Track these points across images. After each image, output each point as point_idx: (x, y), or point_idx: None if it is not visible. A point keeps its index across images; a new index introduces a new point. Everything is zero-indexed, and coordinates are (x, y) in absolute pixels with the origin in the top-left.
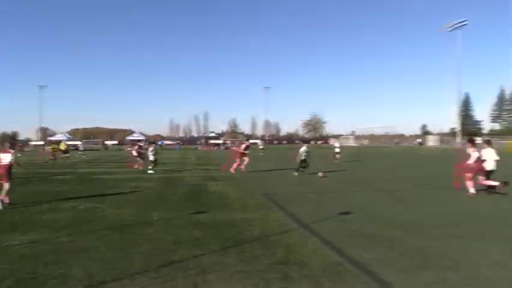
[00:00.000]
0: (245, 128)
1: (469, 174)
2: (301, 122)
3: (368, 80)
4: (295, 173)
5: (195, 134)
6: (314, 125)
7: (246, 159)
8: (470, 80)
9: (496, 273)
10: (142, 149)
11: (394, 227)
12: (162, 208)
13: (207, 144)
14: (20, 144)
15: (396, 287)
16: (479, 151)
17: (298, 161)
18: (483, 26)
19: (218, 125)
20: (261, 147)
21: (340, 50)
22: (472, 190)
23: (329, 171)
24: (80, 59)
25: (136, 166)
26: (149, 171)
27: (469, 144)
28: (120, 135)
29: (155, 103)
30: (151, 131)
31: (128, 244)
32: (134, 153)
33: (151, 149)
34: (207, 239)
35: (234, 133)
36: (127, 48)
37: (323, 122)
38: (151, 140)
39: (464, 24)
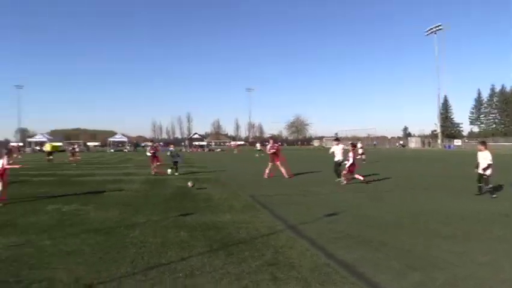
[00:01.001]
0: (229, 129)
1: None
2: (285, 124)
3: (351, 81)
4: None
5: (179, 136)
6: (298, 126)
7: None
8: (451, 83)
9: (483, 273)
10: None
11: (380, 228)
12: (148, 210)
13: (191, 146)
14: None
15: (383, 287)
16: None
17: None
18: (462, 28)
19: (202, 127)
20: (259, 149)
21: (323, 52)
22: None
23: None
24: (59, 59)
25: (155, 170)
26: (168, 171)
27: (482, 147)
28: (102, 136)
29: (138, 104)
30: (134, 132)
31: (114, 247)
32: (148, 154)
33: (170, 148)
34: (194, 241)
35: (217, 134)
36: (108, 49)
37: (306, 124)
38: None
39: (439, 29)
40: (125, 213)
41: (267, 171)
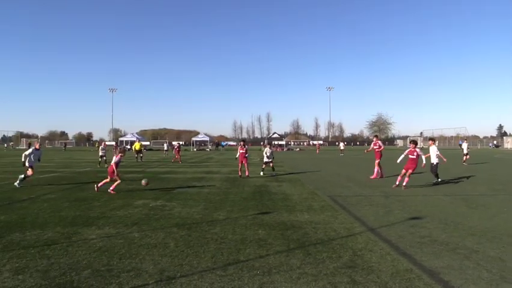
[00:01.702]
0: (308, 129)
1: None
2: (367, 123)
3: (438, 78)
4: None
5: (258, 135)
6: (380, 125)
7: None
8: None
9: None
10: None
11: (469, 234)
12: (227, 208)
13: (271, 145)
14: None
15: None
16: None
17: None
18: None
19: (281, 126)
20: (342, 148)
21: (406, 47)
22: None
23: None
24: (148, 61)
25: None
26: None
27: None
28: (186, 136)
29: (219, 104)
30: (215, 132)
31: (196, 242)
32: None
33: (266, 149)
34: (272, 239)
35: (297, 134)
36: (192, 52)
37: (389, 123)
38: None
39: None
40: (206, 210)
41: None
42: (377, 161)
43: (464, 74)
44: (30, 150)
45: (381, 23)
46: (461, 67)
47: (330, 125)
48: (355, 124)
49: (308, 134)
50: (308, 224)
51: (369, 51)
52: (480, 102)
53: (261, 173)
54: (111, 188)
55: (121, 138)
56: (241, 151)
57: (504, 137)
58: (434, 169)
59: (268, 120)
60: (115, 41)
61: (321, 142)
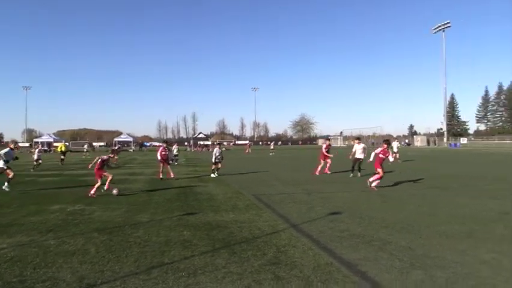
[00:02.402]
0: (234, 129)
1: None
2: (290, 123)
3: (356, 80)
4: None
5: (184, 135)
6: (303, 125)
7: (329, 160)
8: (457, 81)
9: (484, 272)
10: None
11: (382, 227)
12: (151, 210)
13: (196, 145)
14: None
15: (385, 286)
16: None
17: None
18: (469, 26)
19: (207, 126)
20: (272, 148)
21: (328, 51)
22: None
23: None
24: (66, 58)
25: (160, 176)
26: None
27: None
28: (108, 136)
29: (144, 104)
30: (139, 132)
31: (118, 246)
32: (159, 157)
33: (216, 149)
34: (197, 240)
35: (222, 134)
36: (113, 49)
37: (311, 123)
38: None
39: (447, 26)
40: (129, 213)
41: (319, 168)
42: (325, 160)
43: (381, 76)
44: (6, 150)
45: (303, 25)
46: (377, 70)
47: (256, 125)
48: (279, 124)
49: (234, 134)
50: (233, 223)
51: (292, 52)
52: (393, 103)
53: (212, 175)
54: (92, 192)
55: (36, 139)
56: (163, 153)
57: (414, 136)
58: (358, 165)
59: (194, 120)
60: (29, 37)
61: (248, 142)
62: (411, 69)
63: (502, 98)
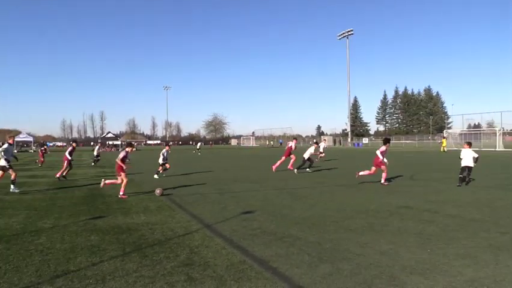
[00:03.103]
0: (145, 128)
1: None
2: (203, 122)
3: (268, 81)
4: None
5: (91, 135)
6: (216, 125)
7: (293, 157)
8: (360, 85)
9: (383, 262)
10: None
11: (293, 223)
12: (55, 214)
13: (104, 145)
14: None
15: (295, 280)
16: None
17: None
18: (371, 34)
19: (116, 125)
20: (198, 147)
21: (240, 51)
22: None
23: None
24: None
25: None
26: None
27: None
28: (3, 135)
29: (45, 102)
30: (41, 132)
31: (17, 255)
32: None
33: (164, 150)
34: (106, 245)
35: (133, 134)
36: (9, 45)
37: (224, 123)
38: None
39: (351, 34)
40: (29, 219)
41: (278, 163)
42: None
43: (290, 78)
44: (5, 145)
45: (217, 24)
46: (287, 72)
47: (168, 125)
48: (192, 124)
49: (145, 134)
50: (145, 225)
51: (205, 51)
52: (302, 104)
53: (156, 176)
54: (121, 193)
55: None
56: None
57: (322, 136)
58: (310, 161)
59: (102, 119)
60: None
61: (158, 142)
62: (319, 72)
63: (398, 101)
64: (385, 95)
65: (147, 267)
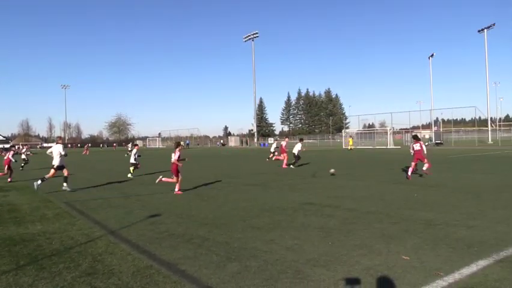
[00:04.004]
0: (41, 130)
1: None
2: (106, 124)
3: (174, 81)
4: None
5: None
6: (119, 126)
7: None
8: (265, 86)
9: (289, 257)
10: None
11: (201, 224)
12: None
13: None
14: None
15: (204, 281)
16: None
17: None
18: (276, 36)
19: (7, 127)
20: (129, 149)
21: (144, 50)
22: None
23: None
24: None
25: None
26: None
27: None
28: None
29: None
30: None
31: None
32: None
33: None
34: None
35: (27, 136)
36: None
37: (129, 124)
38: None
39: (256, 36)
40: None
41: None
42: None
43: (198, 80)
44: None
45: (117, 20)
46: (194, 73)
47: (66, 126)
48: (93, 125)
49: (41, 136)
50: (41, 235)
51: (106, 48)
52: (210, 106)
53: (129, 175)
54: (177, 189)
55: None
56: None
57: (229, 137)
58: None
59: None
60: None
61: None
62: (226, 74)
63: (301, 103)
64: (289, 97)
65: (45, 280)
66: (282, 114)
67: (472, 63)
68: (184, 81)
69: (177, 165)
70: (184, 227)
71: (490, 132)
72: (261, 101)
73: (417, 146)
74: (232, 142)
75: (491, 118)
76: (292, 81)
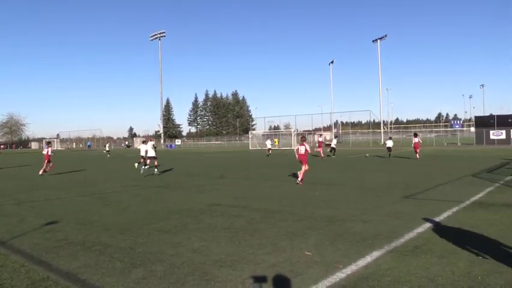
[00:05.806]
0: None
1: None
2: None
3: (74, 81)
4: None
5: None
6: (12, 126)
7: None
8: (172, 87)
9: (197, 258)
10: None
11: (104, 230)
12: None
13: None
14: None
15: None
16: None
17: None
18: (182, 36)
19: None
20: (107, 149)
21: (40, 47)
22: None
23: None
24: None
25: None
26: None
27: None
28: None
29: None
30: None
31: None
32: None
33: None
34: None
35: None
36: None
37: (22, 124)
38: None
39: (163, 35)
40: None
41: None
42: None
43: (101, 79)
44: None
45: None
46: (97, 73)
47: None
48: None
49: None
50: None
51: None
52: (113, 106)
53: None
54: (300, 179)
55: None
56: None
57: (134, 138)
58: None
59: None
60: None
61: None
62: (131, 73)
63: (209, 104)
64: (196, 98)
65: None
66: (190, 115)
67: (368, 71)
68: (85, 79)
69: (307, 156)
70: (85, 233)
71: (382, 134)
72: (168, 102)
73: (302, 149)
74: (138, 144)
75: (383, 121)
76: (199, 82)
